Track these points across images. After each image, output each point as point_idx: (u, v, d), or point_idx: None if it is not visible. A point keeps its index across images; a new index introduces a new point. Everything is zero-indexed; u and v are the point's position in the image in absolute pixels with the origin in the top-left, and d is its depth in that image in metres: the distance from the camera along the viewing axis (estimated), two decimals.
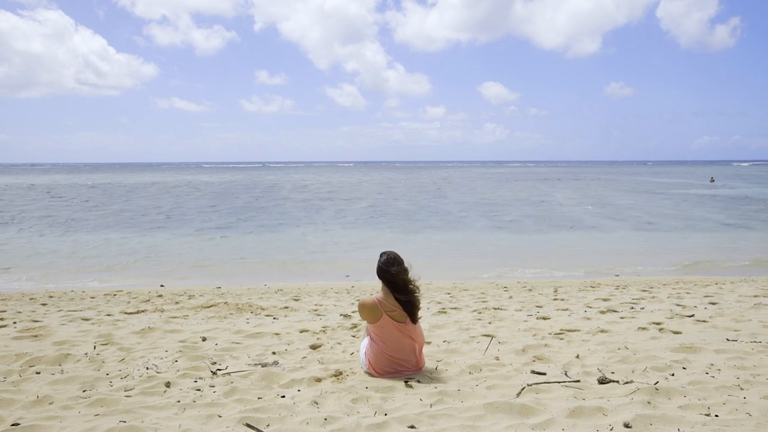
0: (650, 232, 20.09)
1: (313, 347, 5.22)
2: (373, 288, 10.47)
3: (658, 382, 3.76)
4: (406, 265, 4.21)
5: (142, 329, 5.98)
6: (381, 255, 4.26)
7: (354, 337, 5.63)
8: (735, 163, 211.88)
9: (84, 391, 3.77)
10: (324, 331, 5.98)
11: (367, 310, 4.17)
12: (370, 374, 4.19)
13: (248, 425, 3.04)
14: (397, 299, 4.13)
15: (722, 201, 33.58)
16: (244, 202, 35.08)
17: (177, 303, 8.95)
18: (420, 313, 7.24)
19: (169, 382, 3.94)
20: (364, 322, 4.50)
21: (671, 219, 24.00)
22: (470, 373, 4.19)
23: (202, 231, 21.02)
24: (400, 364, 4.16)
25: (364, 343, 4.36)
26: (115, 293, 10.45)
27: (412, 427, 3.09)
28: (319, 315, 7.48)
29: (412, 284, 4.17)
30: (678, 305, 7.64)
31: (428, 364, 4.49)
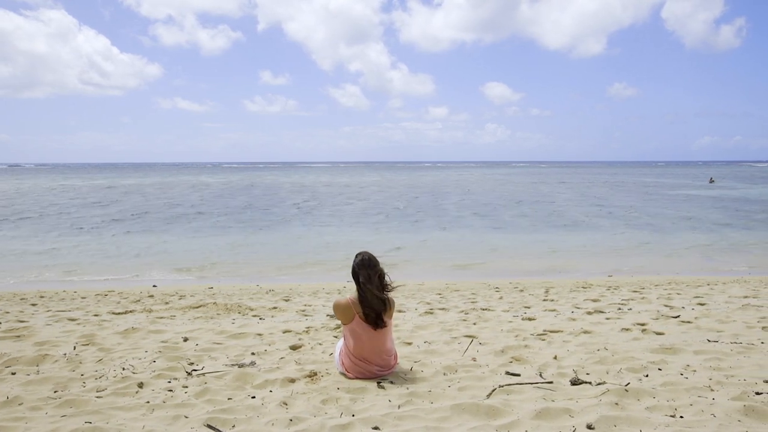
0: (647, 233, 20.07)
1: (293, 348, 5.22)
2: None
3: (629, 383, 3.75)
4: (380, 266, 4.20)
5: (126, 329, 5.98)
6: (356, 256, 4.25)
7: (336, 337, 5.63)
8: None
9: (55, 391, 3.78)
10: (307, 331, 5.98)
11: (341, 311, 4.17)
12: (345, 375, 4.19)
13: (209, 426, 3.05)
14: (366, 301, 4.12)
15: (721, 202, 33.53)
16: (243, 202, 35.12)
17: (167, 303, 8.95)
18: (407, 314, 7.30)
19: (142, 383, 3.95)
20: None
21: (669, 219, 23.97)
22: (445, 374, 4.19)
23: (201, 231, 21.06)
24: (373, 365, 4.15)
25: (339, 344, 4.36)
26: (107, 293, 10.46)
27: (376, 428, 3.09)
28: (306, 315, 7.48)
29: (385, 286, 4.16)
30: (666, 306, 7.63)
31: (405, 364, 4.49)
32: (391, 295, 4.24)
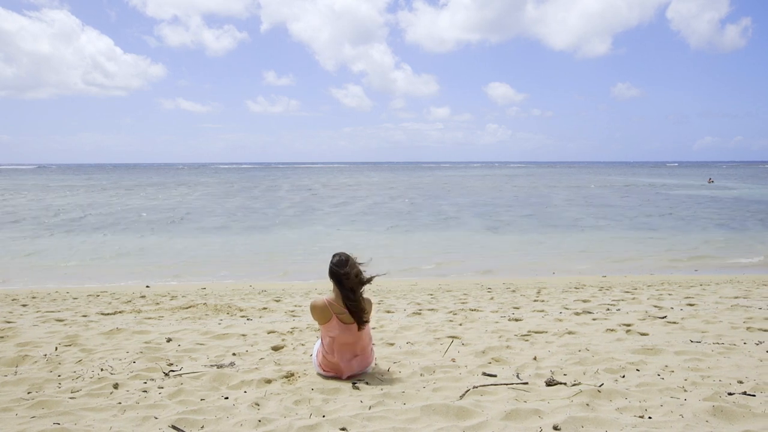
0: (643, 232, 20.06)
1: (275, 348, 5.22)
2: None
3: (603, 384, 3.74)
4: (358, 266, 4.19)
5: (110, 330, 5.97)
6: (333, 256, 4.25)
7: (319, 338, 5.62)
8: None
9: (29, 392, 3.77)
10: (291, 332, 5.97)
11: (317, 312, 4.17)
12: (322, 375, 4.19)
13: (174, 427, 3.04)
14: (346, 301, 4.12)
15: (718, 202, 33.51)
16: (241, 202, 35.14)
17: (158, 304, 8.95)
18: (395, 315, 7.29)
19: (117, 384, 3.94)
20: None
21: (666, 219, 23.96)
22: (422, 375, 4.18)
23: (197, 231, 21.08)
24: (350, 365, 4.15)
25: (317, 345, 4.36)
26: (99, 294, 10.46)
27: (343, 429, 3.08)
28: (294, 316, 7.48)
29: (362, 287, 4.16)
30: (655, 306, 7.61)
31: (385, 365, 4.48)
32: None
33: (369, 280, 4.15)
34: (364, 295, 4.20)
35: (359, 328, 4.16)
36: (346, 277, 4.08)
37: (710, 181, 60.10)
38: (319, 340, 4.33)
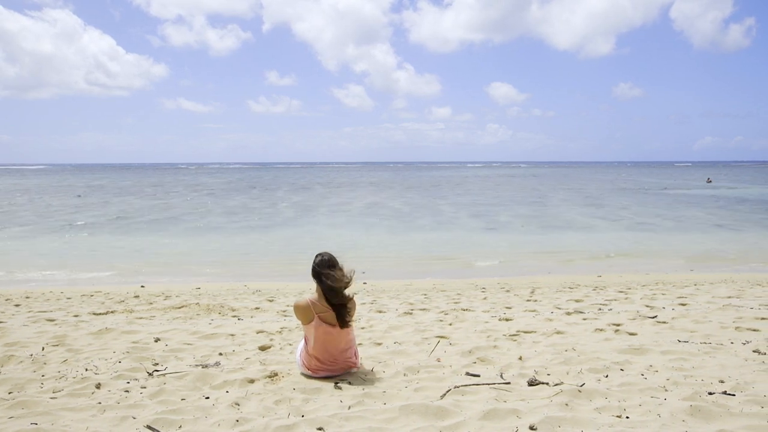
0: (641, 232, 20.05)
1: (262, 348, 5.22)
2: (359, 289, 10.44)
3: (584, 384, 3.73)
4: (340, 267, 4.20)
5: (99, 330, 5.97)
6: (316, 256, 4.26)
7: (303, 338, 5.62)
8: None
9: (10, 393, 3.77)
10: (280, 332, 5.98)
11: (300, 312, 4.17)
12: (306, 375, 4.19)
13: (149, 428, 3.04)
14: (329, 301, 4.12)
15: (716, 201, 33.50)
16: (240, 202, 35.16)
17: (150, 304, 8.95)
18: (386, 315, 7.28)
19: (99, 384, 3.94)
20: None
21: (664, 219, 23.94)
22: (405, 374, 4.17)
23: (195, 231, 21.09)
24: (332, 365, 4.15)
25: (300, 345, 4.36)
26: (93, 294, 10.46)
27: (320, 429, 3.07)
28: (285, 316, 7.48)
29: (345, 286, 4.16)
30: (647, 306, 7.60)
31: (370, 365, 4.48)
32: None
33: (349, 281, 4.15)
34: (349, 295, 4.20)
35: (342, 326, 4.16)
36: (328, 277, 4.09)
37: (709, 180, 60.06)
38: (303, 340, 4.33)
